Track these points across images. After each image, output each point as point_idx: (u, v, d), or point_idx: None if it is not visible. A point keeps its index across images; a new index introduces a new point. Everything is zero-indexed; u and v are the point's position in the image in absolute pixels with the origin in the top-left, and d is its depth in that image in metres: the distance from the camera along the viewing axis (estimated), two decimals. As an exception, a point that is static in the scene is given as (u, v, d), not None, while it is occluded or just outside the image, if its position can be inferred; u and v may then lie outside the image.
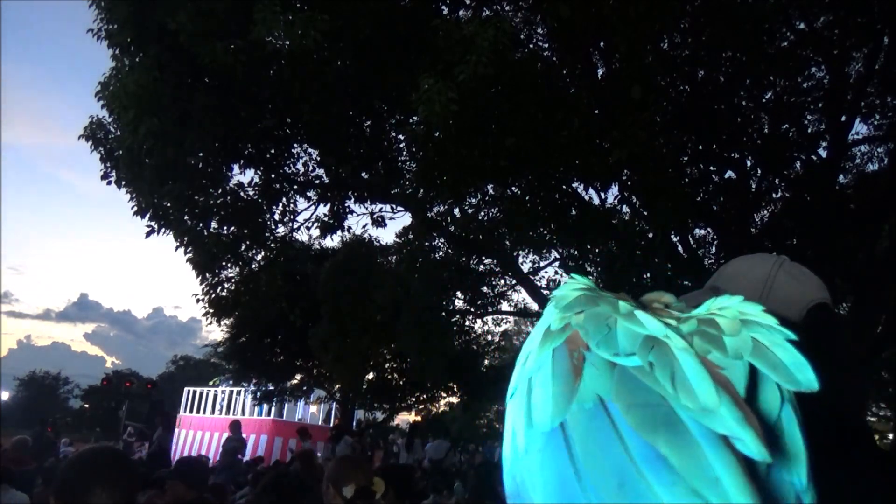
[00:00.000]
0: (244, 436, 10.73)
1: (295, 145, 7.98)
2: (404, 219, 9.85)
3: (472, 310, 11.01)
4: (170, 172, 6.37)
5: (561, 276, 10.07)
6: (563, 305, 0.49)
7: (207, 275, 8.62)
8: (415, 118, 6.25)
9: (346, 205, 8.46)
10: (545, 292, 9.94)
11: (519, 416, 0.46)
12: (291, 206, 8.36)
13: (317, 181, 8.34)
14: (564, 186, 7.34)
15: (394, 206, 8.78)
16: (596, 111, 5.88)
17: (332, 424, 17.84)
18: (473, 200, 8.56)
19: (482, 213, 8.82)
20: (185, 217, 6.94)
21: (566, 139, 5.53)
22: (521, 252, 9.79)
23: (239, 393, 19.06)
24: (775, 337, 0.44)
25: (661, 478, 0.36)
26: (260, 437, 17.25)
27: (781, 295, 1.10)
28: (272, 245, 8.38)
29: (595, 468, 0.38)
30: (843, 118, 7.09)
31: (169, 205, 6.75)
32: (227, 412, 19.68)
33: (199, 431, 18.45)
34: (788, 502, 0.37)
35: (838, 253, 6.66)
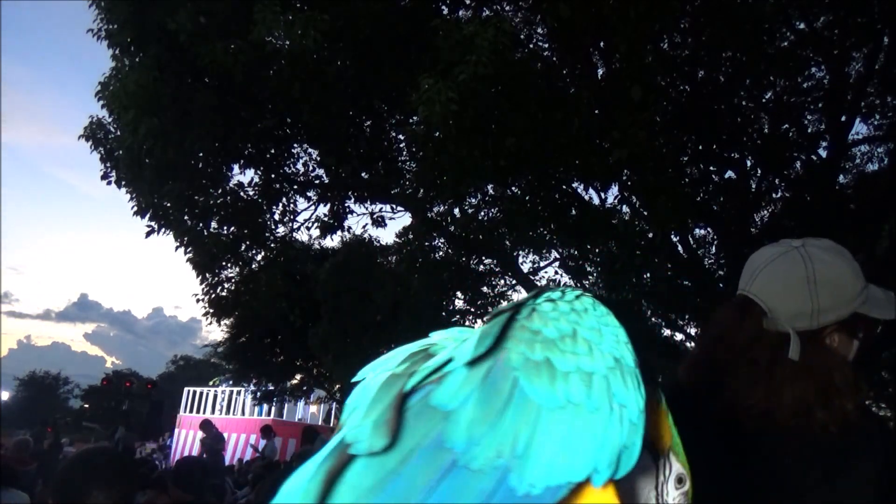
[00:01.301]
0: (224, 433, 10.52)
1: (295, 145, 7.98)
2: (404, 219, 9.83)
3: (472, 310, 11.01)
4: (170, 172, 6.37)
5: (561, 275, 10.07)
6: None
7: (207, 275, 8.63)
8: (415, 118, 6.24)
9: (346, 205, 8.45)
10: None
11: None
12: (291, 206, 8.36)
13: (317, 181, 8.33)
14: (564, 186, 7.33)
15: (394, 206, 8.76)
16: (596, 111, 5.87)
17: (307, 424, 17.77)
18: (473, 200, 8.55)
19: (482, 213, 8.82)
20: (185, 217, 6.94)
21: (566, 139, 5.52)
22: (521, 252, 9.79)
23: (239, 393, 19.07)
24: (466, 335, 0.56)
25: None
26: (260, 438, 17.27)
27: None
28: (272, 245, 8.38)
29: None
30: (843, 118, 7.09)
31: (169, 205, 6.75)
32: (228, 412, 19.70)
33: (199, 431, 18.48)
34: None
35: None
